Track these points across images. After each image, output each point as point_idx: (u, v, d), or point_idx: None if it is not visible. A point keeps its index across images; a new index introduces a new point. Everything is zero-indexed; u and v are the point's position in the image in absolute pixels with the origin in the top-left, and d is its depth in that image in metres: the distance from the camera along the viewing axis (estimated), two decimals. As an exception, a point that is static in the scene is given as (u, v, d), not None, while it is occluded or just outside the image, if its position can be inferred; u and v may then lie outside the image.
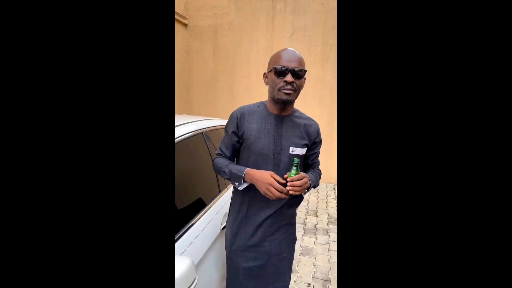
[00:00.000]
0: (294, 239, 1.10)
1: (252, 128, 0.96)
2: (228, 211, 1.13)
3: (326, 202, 3.48)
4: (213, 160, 1.05)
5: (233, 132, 0.98)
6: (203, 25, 4.58)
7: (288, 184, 0.85)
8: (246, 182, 0.94)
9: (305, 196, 3.65)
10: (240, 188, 0.95)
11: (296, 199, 1.06)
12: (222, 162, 1.00)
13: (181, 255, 0.90)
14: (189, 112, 4.87)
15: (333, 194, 3.75)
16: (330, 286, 1.91)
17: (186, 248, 0.95)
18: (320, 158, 1.04)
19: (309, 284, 1.93)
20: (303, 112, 1.06)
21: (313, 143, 1.04)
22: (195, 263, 0.93)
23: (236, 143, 0.99)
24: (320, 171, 1.12)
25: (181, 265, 0.71)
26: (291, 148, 0.96)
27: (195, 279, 0.71)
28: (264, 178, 0.87)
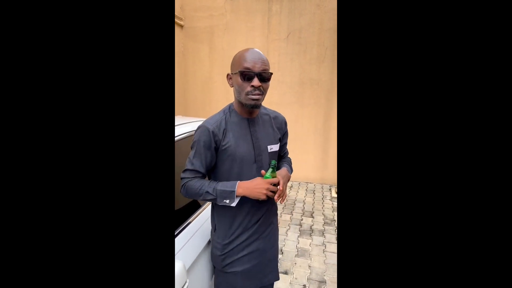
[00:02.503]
0: (277, 229, 1.15)
1: (229, 137, 0.92)
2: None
3: (322, 203, 3.48)
4: (183, 185, 0.93)
5: (209, 148, 0.91)
6: (199, 26, 4.57)
7: (277, 195, 0.89)
8: (238, 196, 0.90)
9: (301, 198, 3.65)
10: (234, 204, 0.91)
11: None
12: (199, 183, 0.91)
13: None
14: (185, 113, 4.85)
15: (329, 195, 3.75)
16: (325, 288, 1.91)
17: (179, 250, 0.94)
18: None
19: (304, 285, 1.93)
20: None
21: (283, 135, 1.08)
22: (188, 266, 0.92)
23: (213, 158, 0.94)
24: (290, 158, 1.18)
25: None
26: (269, 147, 0.98)
27: (186, 282, 0.70)
28: (259, 184, 0.88)
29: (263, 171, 0.92)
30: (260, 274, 1.04)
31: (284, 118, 1.09)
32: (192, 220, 1.10)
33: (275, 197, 0.89)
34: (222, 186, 0.90)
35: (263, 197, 0.87)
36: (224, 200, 0.90)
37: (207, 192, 0.90)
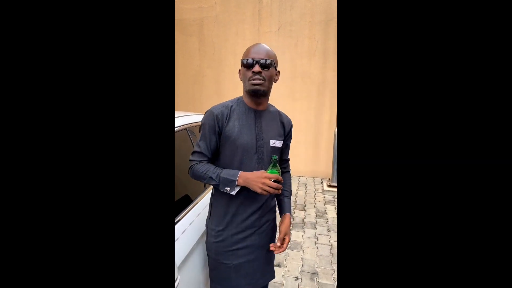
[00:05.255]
0: (276, 228, 1.14)
1: (234, 124, 0.95)
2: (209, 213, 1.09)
3: (314, 196, 3.52)
4: (190, 167, 0.99)
5: (214, 132, 0.96)
6: (188, 19, 4.46)
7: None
8: (238, 186, 0.92)
9: (293, 191, 3.67)
10: (233, 192, 0.93)
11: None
12: (205, 168, 0.95)
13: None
14: (175, 108, 4.77)
15: (320, 188, 3.79)
16: (317, 279, 1.94)
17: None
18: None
19: (297, 277, 1.95)
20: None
21: (287, 135, 1.09)
22: (179, 263, 0.90)
23: (216, 143, 0.98)
24: (289, 173, 1.20)
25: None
26: (271, 141, 1.00)
27: (177, 279, 0.69)
28: (258, 177, 0.89)
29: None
30: (257, 274, 1.03)
31: (290, 120, 1.12)
32: (183, 216, 1.09)
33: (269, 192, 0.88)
34: (225, 174, 0.93)
35: (259, 190, 0.88)
36: (226, 187, 0.93)
37: (211, 177, 0.93)
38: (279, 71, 1.00)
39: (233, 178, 0.91)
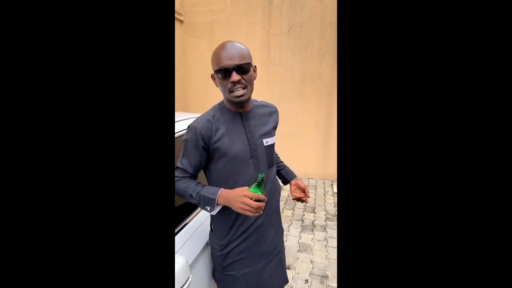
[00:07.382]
0: (283, 230, 1.09)
1: (223, 135, 0.87)
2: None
3: (324, 198, 3.48)
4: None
5: (197, 149, 0.87)
6: (199, 21, 4.53)
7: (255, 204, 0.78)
8: (219, 205, 0.84)
9: (303, 193, 3.65)
10: (214, 212, 0.85)
11: (277, 190, 1.05)
12: (186, 185, 0.87)
13: (175, 253, 0.89)
14: (186, 109, 4.84)
15: (330, 191, 3.75)
16: (327, 282, 1.91)
17: (181, 246, 0.94)
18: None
19: (306, 280, 1.94)
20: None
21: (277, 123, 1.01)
22: (190, 262, 0.92)
23: (203, 159, 0.90)
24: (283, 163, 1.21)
25: (175, 264, 0.70)
26: (264, 141, 0.93)
27: (189, 277, 0.70)
28: (237, 196, 0.79)
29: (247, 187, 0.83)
30: (268, 283, 0.99)
31: (276, 108, 1.03)
32: (195, 216, 1.10)
33: (251, 215, 0.78)
34: (205, 191, 0.85)
35: (240, 211, 0.78)
36: (206, 207, 0.85)
37: (191, 195, 0.86)
38: (255, 66, 0.88)
39: (212, 197, 0.83)
